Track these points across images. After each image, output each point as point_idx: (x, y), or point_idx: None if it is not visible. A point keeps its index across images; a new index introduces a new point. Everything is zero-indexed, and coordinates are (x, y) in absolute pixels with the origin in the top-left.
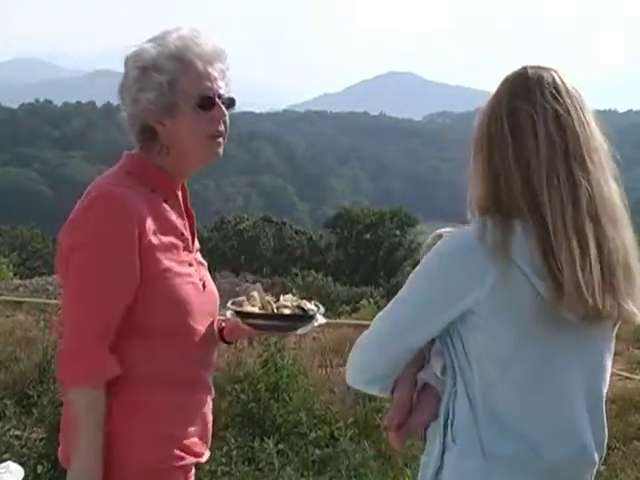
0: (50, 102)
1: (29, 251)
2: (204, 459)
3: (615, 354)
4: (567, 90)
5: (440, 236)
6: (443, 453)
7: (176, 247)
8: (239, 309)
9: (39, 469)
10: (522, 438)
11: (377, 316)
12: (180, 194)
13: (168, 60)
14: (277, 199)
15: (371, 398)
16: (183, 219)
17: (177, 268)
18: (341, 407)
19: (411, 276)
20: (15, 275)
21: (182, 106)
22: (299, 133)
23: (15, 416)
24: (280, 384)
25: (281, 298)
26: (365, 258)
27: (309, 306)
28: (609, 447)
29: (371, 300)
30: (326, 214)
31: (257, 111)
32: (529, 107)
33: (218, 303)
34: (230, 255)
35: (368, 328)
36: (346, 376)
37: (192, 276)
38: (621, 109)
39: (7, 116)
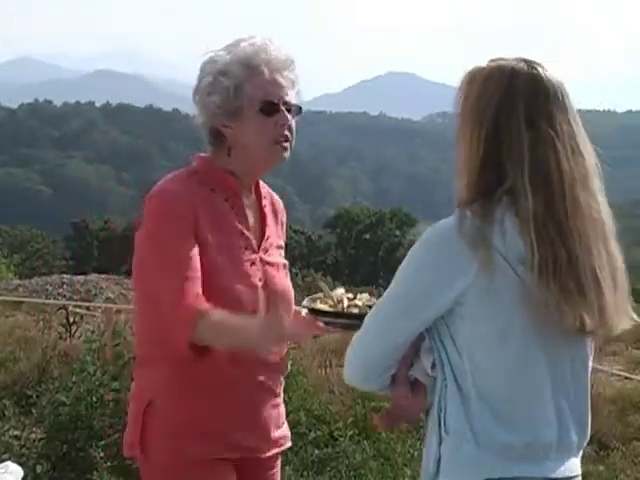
0: (50, 102)
1: (29, 251)
2: (264, 455)
3: (614, 354)
4: (571, 104)
5: None
6: (440, 445)
7: (233, 245)
8: (311, 306)
9: (38, 469)
10: (514, 424)
11: (369, 313)
12: (254, 196)
13: (237, 66)
14: None
15: (371, 398)
16: (247, 219)
17: (231, 266)
18: (340, 407)
19: (398, 270)
20: (15, 275)
21: (247, 110)
22: (299, 133)
23: (14, 416)
24: None
25: (357, 296)
26: (365, 258)
27: None
28: (609, 447)
29: None
30: (326, 214)
31: None
32: (551, 131)
33: (290, 304)
34: None
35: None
36: (344, 375)
37: (250, 275)
38: (620, 109)
39: (7, 116)
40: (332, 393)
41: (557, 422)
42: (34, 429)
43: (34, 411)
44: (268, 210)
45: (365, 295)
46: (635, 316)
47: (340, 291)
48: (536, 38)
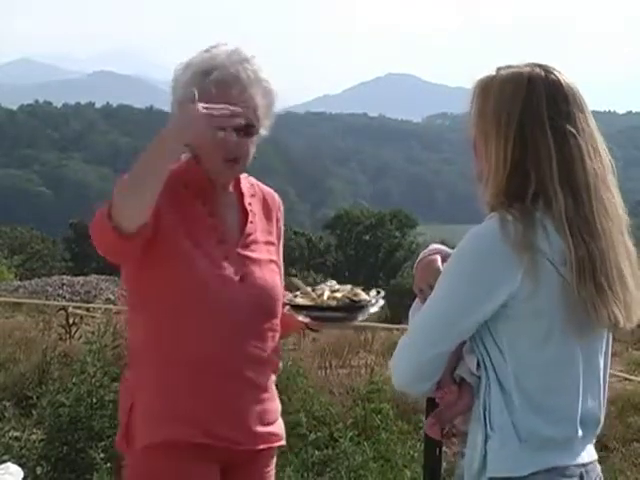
0: (50, 103)
1: (28, 252)
2: (244, 448)
3: (614, 355)
4: (587, 104)
5: (438, 251)
6: (486, 442)
7: (204, 239)
8: (292, 302)
9: (38, 470)
10: (556, 419)
11: (413, 320)
12: (235, 193)
13: (185, 84)
14: None
15: (371, 399)
16: (220, 216)
17: (202, 258)
18: (340, 408)
19: (442, 276)
20: (15, 276)
21: None
22: (299, 134)
23: (14, 417)
24: (279, 386)
25: (340, 288)
26: (365, 259)
27: (362, 296)
28: (608, 448)
29: None
30: (326, 215)
31: None
32: (575, 132)
33: (274, 300)
34: None
35: (373, 328)
36: (393, 380)
37: (224, 268)
38: (621, 110)
39: (6, 117)
40: (332, 394)
41: (584, 413)
42: (34, 430)
43: (34, 412)
44: (255, 207)
45: (347, 287)
46: None
47: (330, 283)
48: (536, 39)
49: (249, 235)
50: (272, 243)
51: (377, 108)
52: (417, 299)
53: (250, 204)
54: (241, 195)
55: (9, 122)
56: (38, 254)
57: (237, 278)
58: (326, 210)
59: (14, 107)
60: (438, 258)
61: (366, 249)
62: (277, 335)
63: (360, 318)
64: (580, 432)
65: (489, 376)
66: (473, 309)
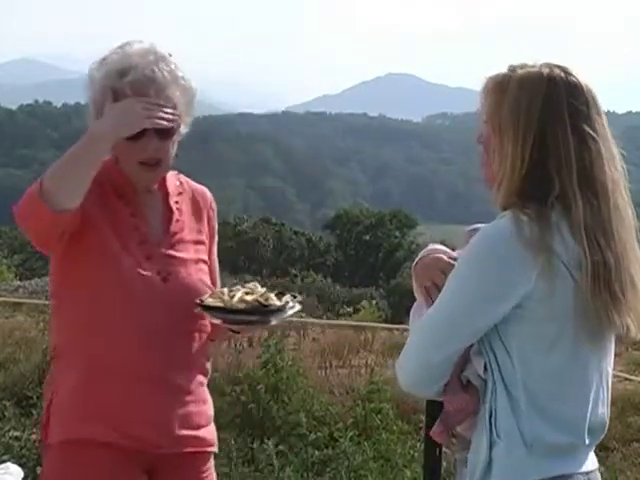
0: (49, 103)
1: (29, 252)
2: (165, 451)
3: (614, 355)
4: (603, 109)
5: (441, 251)
6: (491, 449)
7: (124, 239)
8: (202, 303)
9: (38, 470)
10: (563, 425)
11: (421, 320)
12: (160, 193)
13: (100, 82)
14: (276, 200)
15: (371, 399)
16: (143, 216)
17: (125, 258)
18: (340, 408)
19: (453, 276)
20: (15, 276)
21: None
22: (298, 134)
23: (15, 417)
24: (280, 385)
25: (255, 291)
26: (364, 259)
27: (272, 301)
28: (608, 448)
29: (372, 302)
30: (325, 215)
31: (256, 112)
32: (595, 135)
33: (196, 298)
34: (229, 256)
35: (369, 328)
36: (400, 380)
37: (145, 268)
38: (620, 110)
39: (6, 117)
40: (332, 394)
41: (593, 420)
42: (34, 430)
43: (34, 412)
44: (182, 207)
45: (260, 290)
46: None
47: (251, 285)
48: (536, 39)
49: (175, 234)
50: (202, 242)
51: (377, 108)
52: (418, 300)
53: (177, 202)
54: (166, 194)
55: (9, 122)
56: (38, 254)
57: (160, 278)
58: (326, 210)
59: (14, 107)
60: (444, 256)
61: (366, 249)
62: (204, 336)
63: (274, 322)
64: (587, 440)
65: (495, 380)
66: (484, 310)
